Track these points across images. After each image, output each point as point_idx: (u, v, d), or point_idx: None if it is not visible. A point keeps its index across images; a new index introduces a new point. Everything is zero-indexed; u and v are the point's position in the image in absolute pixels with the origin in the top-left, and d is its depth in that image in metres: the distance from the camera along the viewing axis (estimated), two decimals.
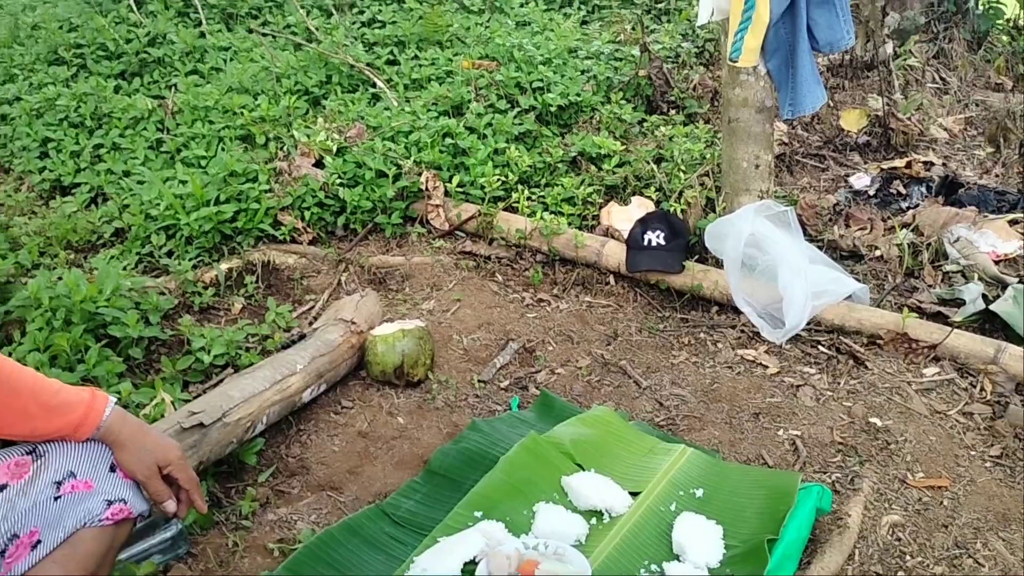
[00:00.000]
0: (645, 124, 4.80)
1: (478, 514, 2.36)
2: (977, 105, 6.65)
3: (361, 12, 6.22)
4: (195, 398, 2.56)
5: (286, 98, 4.70)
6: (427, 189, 4.05)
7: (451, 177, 4.14)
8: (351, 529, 2.34)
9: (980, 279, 3.70)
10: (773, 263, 3.38)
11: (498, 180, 4.05)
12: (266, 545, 2.33)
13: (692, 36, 6.22)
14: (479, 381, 3.12)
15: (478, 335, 3.36)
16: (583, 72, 5.21)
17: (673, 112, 5.08)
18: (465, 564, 2.20)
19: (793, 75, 3.65)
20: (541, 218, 3.86)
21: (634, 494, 2.53)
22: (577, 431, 2.74)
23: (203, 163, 4.18)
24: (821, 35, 3.57)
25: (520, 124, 4.54)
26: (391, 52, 5.49)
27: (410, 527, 2.39)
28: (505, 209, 4.04)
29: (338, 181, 4.00)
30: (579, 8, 6.72)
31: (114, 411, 1.70)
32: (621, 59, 5.47)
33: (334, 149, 4.17)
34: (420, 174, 4.08)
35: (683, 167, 4.16)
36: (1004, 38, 7.83)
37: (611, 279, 3.78)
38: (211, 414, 2.35)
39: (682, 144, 4.31)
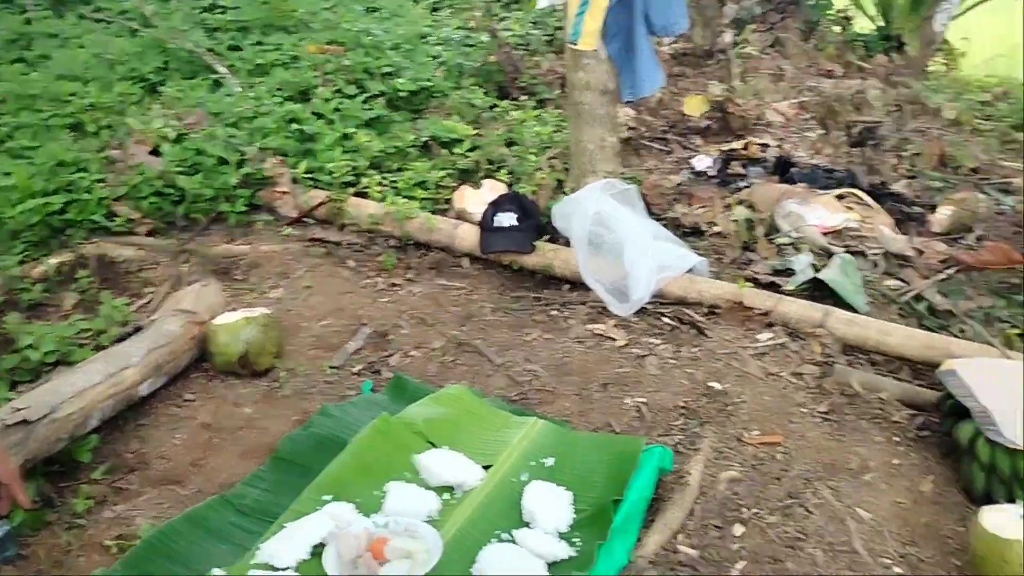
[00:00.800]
0: (496, 109, 4.85)
1: (327, 497, 2.34)
2: (810, 90, 7.00)
3: None
4: None
5: (119, 85, 4.50)
6: (273, 176, 3.97)
7: (298, 163, 4.07)
8: (193, 520, 2.27)
9: (809, 250, 3.92)
10: (619, 240, 3.48)
11: (347, 166, 4.01)
12: (103, 543, 2.24)
13: (542, 23, 6.33)
14: (330, 367, 3.08)
15: (329, 321, 3.32)
16: (434, 58, 5.22)
17: (524, 97, 5.15)
18: (314, 547, 2.18)
19: (632, 59, 3.77)
20: (393, 203, 3.85)
21: (487, 468, 2.56)
22: (430, 410, 2.75)
23: (29, 154, 3.95)
24: (657, 19, 3.70)
25: (370, 109, 4.51)
26: (233, 38, 5.34)
27: (256, 515, 2.34)
28: (356, 194, 4.00)
29: (177, 169, 3.86)
30: None
31: None
32: (472, 45, 5.51)
33: (172, 136, 4.03)
34: (265, 161, 3.99)
35: (533, 150, 4.23)
36: (835, 28, 8.28)
37: (465, 261, 3.80)
38: (37, 410, 2.23)
39: (532, 128, 4.38)
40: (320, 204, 3.95)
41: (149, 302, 3.33)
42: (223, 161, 3.93)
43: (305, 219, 3.97)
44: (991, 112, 6.70)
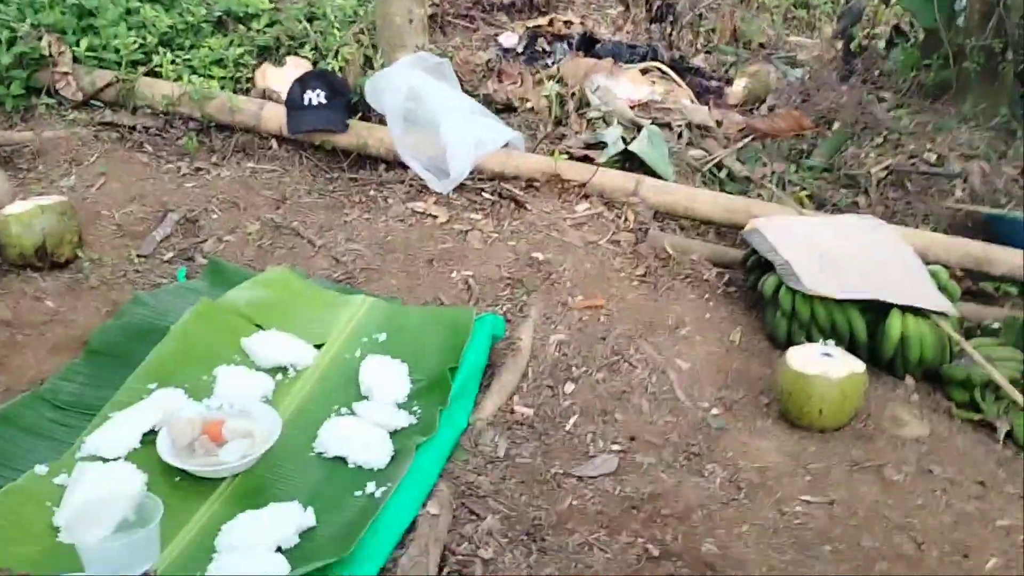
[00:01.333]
0: None
1: (152, 385, 2.23)
2: None
3: None
4: None
5: None
6: (51, 55, 3.59)
7: (79, 41, 3.69)
8: (5, 419, 2.12)
9: (618, 123, 4.02)
10: (434, 116, 3.42)
11: (135, 42, 3.68)
12: None
13: None
14: (138, 256, 2.90)
15: (131, 208, 3.11)
16: None
17: None
18: (144, 435, 2.08)
19: None
20: (190, 82, 3.59)
21: (318, 347, 2.52)
22: (253, 294, 2.66)
23: None
24: None
25: None
26: None
27: (76, 410, 2.21)
28: (146, 74, 3.70)
29: None
30: None
31: None
32: None
33: None
34: (41, 38, 3.60)
35: (337, 25, 4.04)
36: None
37: (273, 143, 3.63)
38: None
39: (335, 1, 4.17)
40: (108, 85, 3.63)
41: None
42: None
43: (92, 102, 3.64)
44: None
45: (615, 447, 2.36)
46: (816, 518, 2.15)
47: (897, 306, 2.73)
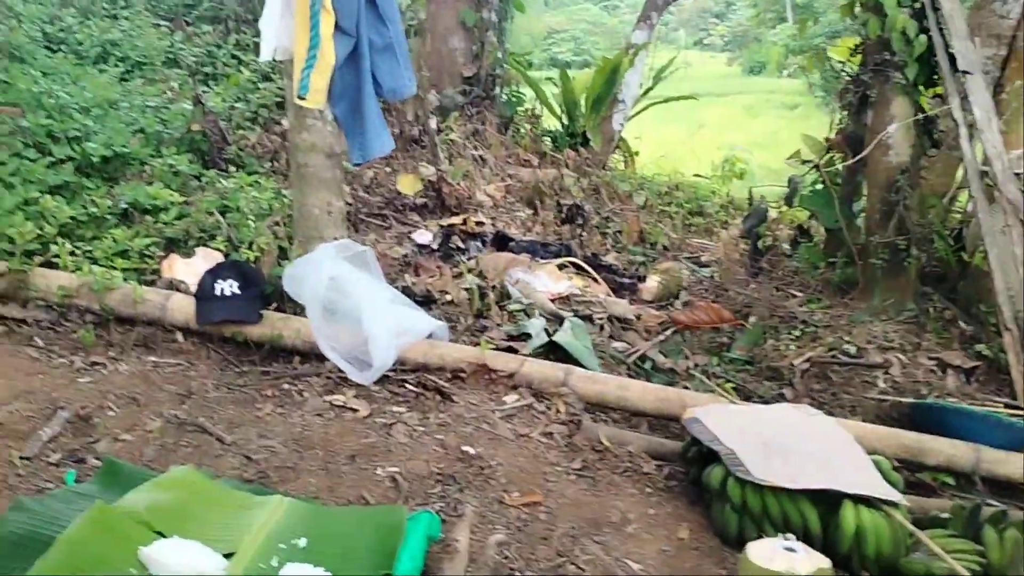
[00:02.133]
0: (203, 178, 4.49)
1: None
2: (511, 177, 7.30)
3: None
4: None
5: None
6: None
7: None
8: None
9: (541, 315, 3.96)
10: (356, 305, 3.28)
11: (32, 232, 3.47)
12: None
13: (244, 99, 6.05)
14: (21, 458, 2.55)
15: (16, 406, 2.78)
16: (128, 124, 4.76)
17: (233, 169, 4.83)
18: None
19: (361, 121, 3.64)
20: (90, 272, 3.37)
21: (229, 556, 2.21)
22: (153, 496, 2.34)
23: None
24: (385, 81, 3.61)
25: (56, 175, 3.97)
26: None
27: None
28: (42, 264, 3.47)
29: None
30: (116, 65, 6.18)
31: None
32: (169, 115, 5.11)
33: None
34: None
35: (252, 217, 3.93)
36: (525, 125, 8.78)
37: (179, 336, 3.40)
38: None
39: (249, 194, 4.08)
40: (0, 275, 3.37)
41: None
42: None
43: None
44: (670, 200, 7.40)
45: None
46: None
47: (847, 497, 2.61)
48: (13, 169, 3.84)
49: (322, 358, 3.33)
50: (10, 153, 4.05)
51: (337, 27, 3.43)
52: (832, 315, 4.29)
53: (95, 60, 6.20)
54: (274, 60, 3.59)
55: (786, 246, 5.24)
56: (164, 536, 2.20)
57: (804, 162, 4.97)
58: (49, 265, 3.49)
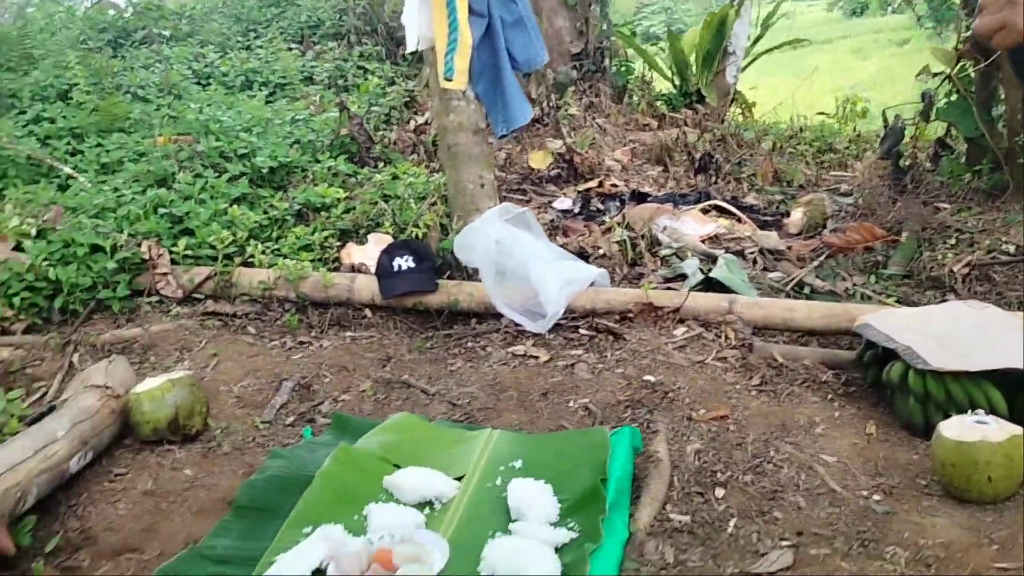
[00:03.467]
0: (359, 176, 4.85)
1: (307, 529, 2.19)
2: (633, 142, 7.44)
3: (23, 112, 5.71)
4: None
5: None
6: (151, 258, 3.77)
7: (175, 243, 3.89)
8: None
9: (693, 255, 4.12)
10: (522, 263, 3.53)
11: (228, 238, 3.87)
12: None
13: (376, 104, 6.43)
14: (262, 423, 2.91)
15: (247, 382, 3.16)
16: (284, 138, 5.18)
17: (381, 164, 5.18)
18: (313, 572, 2.03)
19: (502, 94, 3.89)
20: (283, 265, 3.74)
21: (458, 480, 2.48)
22: (382, 438, 2.65)
23: None
24: (519, 55, 3.86)
25: (235, 188, 4.39)
26: (68, 144, 5.10)
27: (235, 563, 2.16)
28: (241, 264, 3.86)
29: (46, 262, 3.60)
30: (261, 89, 6.68)
31: None
32: (317, 125, 5.51)
33: (33, 233, 3.76)
34: (140, 245, 3.80)
35: (411, 201, 4.24)
36: (639, 93, 8.87)
37: (367, 312, 3.73)
38: None
39: (405, 181, 4.40)
40: (206, 279, 3.78)
41: (43, 395, 3.05)
42: (96, 248, 3.70)
43: (193, 296, 3.78)
44: (797, 141, 7.37)
45: (784, 543, 2.26)
46: None
47: None
48: (200, 187, 4.27)
49: (497, 316, 3.59)
50: (193, 174, 4.50)
51: (471, 10, 3.69)
52: (985, 220, 4.27)
53: (241, 88, 6.71)
54: (417, 50, 3.86)
55: (927, 163, 5.20)
56: (400, 468, 2.50)
57: (935, 75, 4.93)
58: (246, 265, 3.88)
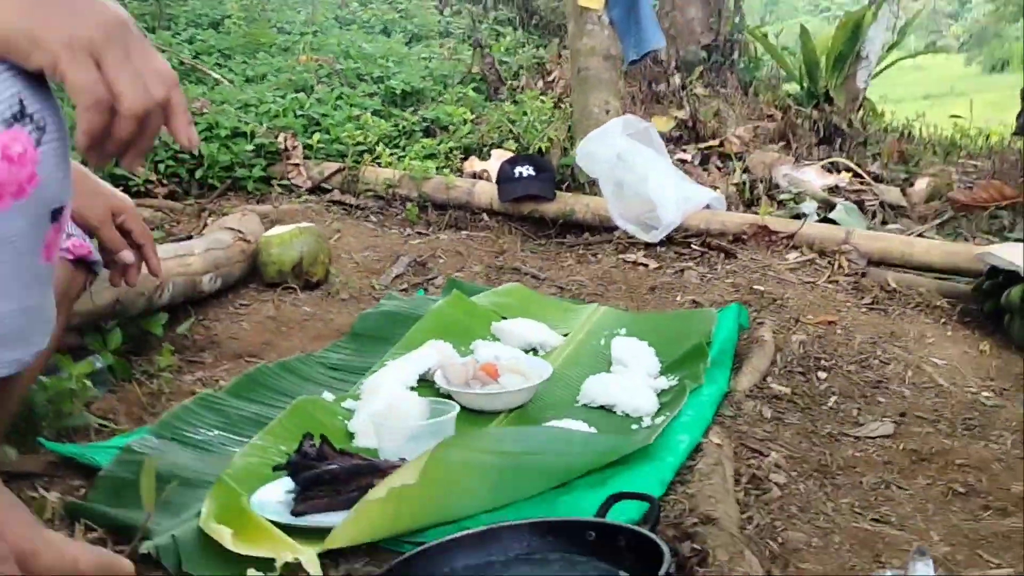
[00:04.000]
0: (486, 107, 4.98)
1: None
2: (756, 125, 7.36)
3: (176, 35, 6.07)
4: None
5: None
6: (286, 148, 3.98)
7: (308, 138, 4.09)
8: (284, 367, 2.20)
9: (812, 199, 4.08)
10: (643, 177, 3.57)
11: (360, 136, 4.05)
12: (193, 390, 2.13)
13: (506, 63, 6.58)
14: (380, 286, 3.05)
15: (367, 254, 3.31)
16: (419, 71, 5.36)
17: (509, 103, 5.30)
18: (420, 379, 2.13)
19: (637, 19, 3.96)
20: (409, 165, 3.88)
21: (564, 336, 2.55)
22: (494, 299, 2.75)
23: None
24: None
25: (370, 102, 4.58)
26: (217, 60, 5.40)
27: (346, 370, 2.28)
28: (369, 164, 4.03)
29: None
30: (399, 35, 6.91)
31: None
32: (450, 65, 5.69)
33: None
34: (277, 136, 4.01)
35: (536, 123, 4.34)
36: (766, 91, 8.77)
37: (484, 216, 3.84)
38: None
39: (532, 105, 4.50)
40: (335, 173, 3.97)
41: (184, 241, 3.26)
42: (237, 133, 3.93)
43: (321, 186, 3.96)
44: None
45: (886, 419, 2.24)
46: None
47: None
48: (336, 96, 4.47)
49: (611, 229, 3.65)
50: (330, 89, 4.71)
51: None
52: None
53: (380, 33, 6.95)
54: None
55: None
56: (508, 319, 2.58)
57: None
58: (373, 164, 4.04)
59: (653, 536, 1.14)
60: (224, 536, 1.30)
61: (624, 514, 1.35)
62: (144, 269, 1.47)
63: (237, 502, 1.41)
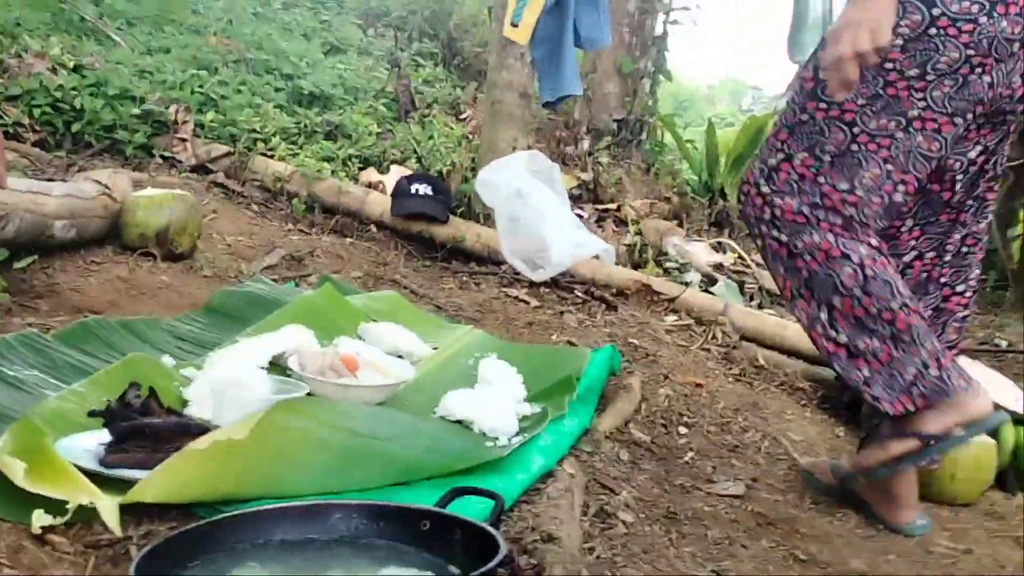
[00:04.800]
0: (395, 125, 4.88)
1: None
2: (653, 205, 7.51)
3: None
4: None
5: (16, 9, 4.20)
6: (176, 121, 3.78)
7: (201, 115, 3.90)
8: (127, 326, 2.02)
9: (696, 271, 4.14)
10: (539, 216, 3.52)
11: (255, 122, 3.89)
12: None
13: (421, 92, 6.53)
14: (249, 272, 2.88)
15: (241, 239, 3.14)
16: (332, 79, 5.23)
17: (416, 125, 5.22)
18: (272, 363, 1.98)
19: (558, 64, 3.96)
20: (304, 162, 3.75)
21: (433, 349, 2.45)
22: (368, 302, 2.63)
23: None
24: (584, 31, 3.93)
25: (274, 95, 4.43)
26: (120, 26, 5.14)
27: (193, 342, 2.11)
28: (261, 154, 3.87)
29: (74, 91, 3.59)
30: (319, 41, 6.76)
31: None
32: (366, 77, 5.59)
33: (71, 65, 3.77)
34: (168, 107, 3.81)
35: (441, 148, 4.28)
36: (667, 176, 9.01)
37: (373, 228, 3.73)
38: None
39: (440, 129, 4.44)
40: (224, 155, 3.78)
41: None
42: (126, 95, 3.71)
43: (206, 166, 3.77)
44: None
45: (738, 481, 2.22)
46: (962, 559, 1.99)
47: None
48: (240, 80, 4.30)
49: (498, 264, 3.59)
50: (235, 74, 4.53)
51: None
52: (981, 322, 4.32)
53: (299, 38, 6.79)
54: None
55: None
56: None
57: None
58: (266, 155, 3.88)
59: (492, 530, 1.05)
60: (16, 471, 1.15)
61: (464, 511, 1.25)
62: None
63: (39, 440, 1.24)
